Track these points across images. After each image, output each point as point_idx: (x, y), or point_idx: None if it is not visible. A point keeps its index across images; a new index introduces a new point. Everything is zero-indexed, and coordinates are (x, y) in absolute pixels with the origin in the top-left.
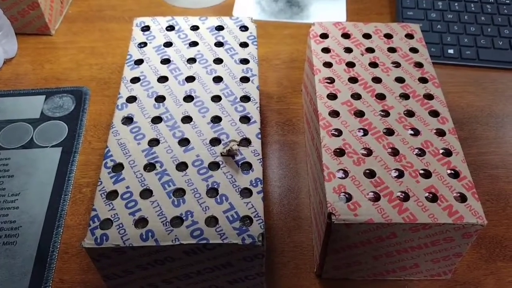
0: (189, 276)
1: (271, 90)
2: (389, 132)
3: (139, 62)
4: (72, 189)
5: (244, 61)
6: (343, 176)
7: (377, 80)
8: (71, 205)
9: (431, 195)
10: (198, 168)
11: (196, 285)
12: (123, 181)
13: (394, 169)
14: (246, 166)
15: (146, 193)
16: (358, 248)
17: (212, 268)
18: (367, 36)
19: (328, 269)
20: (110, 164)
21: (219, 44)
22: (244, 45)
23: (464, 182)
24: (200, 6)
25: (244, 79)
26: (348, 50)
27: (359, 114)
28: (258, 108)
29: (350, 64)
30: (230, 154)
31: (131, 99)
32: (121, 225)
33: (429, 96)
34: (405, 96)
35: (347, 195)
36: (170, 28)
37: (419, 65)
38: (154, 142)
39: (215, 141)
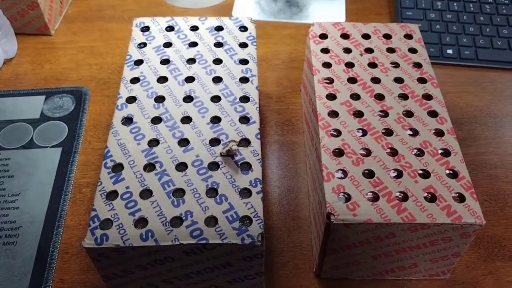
0: (189, 276)
1: (270, 90)
2: (388, 132)
3: (138, 62)
4: (72, 189)
5: (244, 62)
6: (342, 176)
7: (376, 80)
8: (71, 205)
9: (429, 195)
10: (198, 168)
11: (195, 285)
12: (123, 181)
13: (393, 169)
14: (246, 166)
15: (146, 193)
16: (357, 248)
17: (212, 268)
18: (366, 36)
19: (327, 269)
20: (110, 164)
21: (218, 45)
22: (243, 45)
23: (463, 182)
24: (199, 6)
25: (244, 80)
26: (347, 50)
27: (358, 114)
28: (258, 109)
29: (349, 65)
30: (229, 154)
31: (131, 99)
32: (121, 225)
33: (428, 96)
34: (404, 97)
35: (346, 195)
36: (170, 28)
37: (418, 65)
38: (153, 142)
39: (214, 142)
